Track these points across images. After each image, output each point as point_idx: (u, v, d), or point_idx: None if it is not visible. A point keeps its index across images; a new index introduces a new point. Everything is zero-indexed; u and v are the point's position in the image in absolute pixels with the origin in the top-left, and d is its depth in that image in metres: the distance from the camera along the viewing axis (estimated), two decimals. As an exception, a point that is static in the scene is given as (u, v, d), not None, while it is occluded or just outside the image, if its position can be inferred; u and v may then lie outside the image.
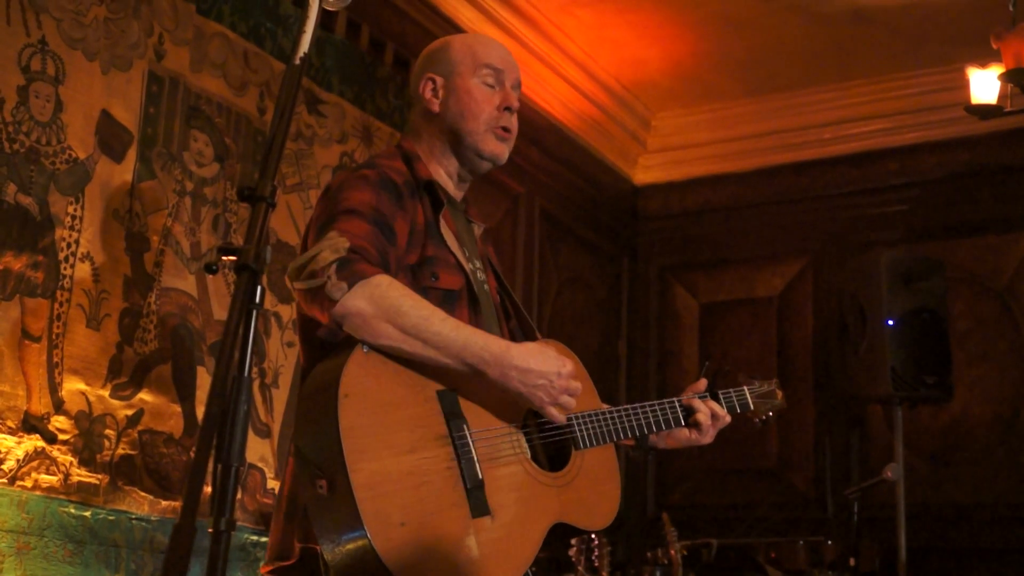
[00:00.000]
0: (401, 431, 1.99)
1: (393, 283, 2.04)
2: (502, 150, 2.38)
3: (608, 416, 2.32)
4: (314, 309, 2.06)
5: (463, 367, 2.05)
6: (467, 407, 2.09)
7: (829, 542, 4.94)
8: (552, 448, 2.24)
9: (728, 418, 2.51)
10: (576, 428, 2.25)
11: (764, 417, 2.66)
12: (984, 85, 4.44)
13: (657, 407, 2.42)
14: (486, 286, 2.36)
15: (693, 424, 2.46)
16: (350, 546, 1.89)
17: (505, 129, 2.37)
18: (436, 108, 2.37)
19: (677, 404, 2.45)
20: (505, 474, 2.10)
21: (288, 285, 2.19)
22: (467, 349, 2.05)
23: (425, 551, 1.94)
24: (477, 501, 2.03)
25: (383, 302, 2.00)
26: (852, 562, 4.78)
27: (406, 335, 2.01)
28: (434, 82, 2.38)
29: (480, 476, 2.05)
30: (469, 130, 2.35)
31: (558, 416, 2.16)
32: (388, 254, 2.13)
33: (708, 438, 2.48)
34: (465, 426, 2.07)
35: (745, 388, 2.62)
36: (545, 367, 2.12)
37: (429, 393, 2.06)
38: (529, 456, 2.17)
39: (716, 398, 2.52)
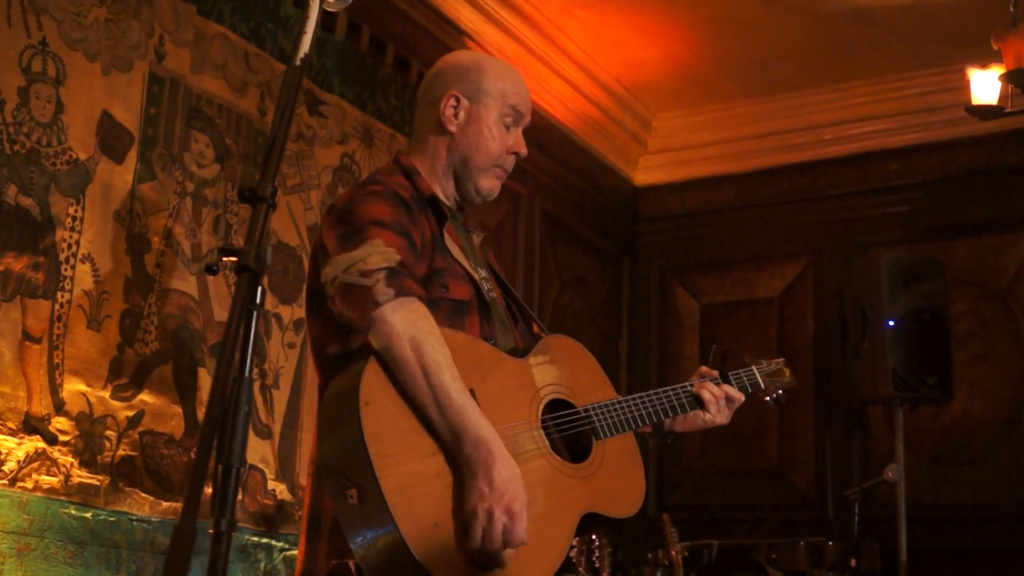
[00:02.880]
0: (424, 434, 2.01)
1: (428, 315, 2.07)
2: (496, 188, 2.44)
3: (623, 405, 2.35)
4: (352, 308, 2.07)
5: (446, 430, 2.01)
6: (484, 405, 2.09)
7: (830, 543, 4.94)
8: (571, 440, 2.26)
9: (742, 398, 2.55)
10: (595, 419, 2.28)
11: (775, 395, 2.71)
12: (985, 86, 4.44)
13: (671, 392, 2.45)
14: (492, 293, 2.39)
15: (703, 405, 2.48)
16: (385, 550, 1.90)
17: (504, 169, 2.43)
18: (453, 128, 2.38)
19: (690, 387, 2.49)
20: (530, 469, 2.10)
21: (324, 279, 2.19)
22: (458, 416, 2.00)
23: (460, 550, 1.95)
24: None
25: (413, 329, 2.02)
26: (853, 563, 4.78)
27: (416, 368, 2.00)
28: (458, 101, 2.39)
29: None
30: (476, 165, 2.39)
31: (472, 540, 1.98)
32: (417, 268, 2.17)
33: (723, 418, 2.51)
34: None
35: (754, 367, 2.66)
36: (508, 489, 1.98)
37: None
38: (551, 450, 2.18)
39: (727, 379, 2.55)
